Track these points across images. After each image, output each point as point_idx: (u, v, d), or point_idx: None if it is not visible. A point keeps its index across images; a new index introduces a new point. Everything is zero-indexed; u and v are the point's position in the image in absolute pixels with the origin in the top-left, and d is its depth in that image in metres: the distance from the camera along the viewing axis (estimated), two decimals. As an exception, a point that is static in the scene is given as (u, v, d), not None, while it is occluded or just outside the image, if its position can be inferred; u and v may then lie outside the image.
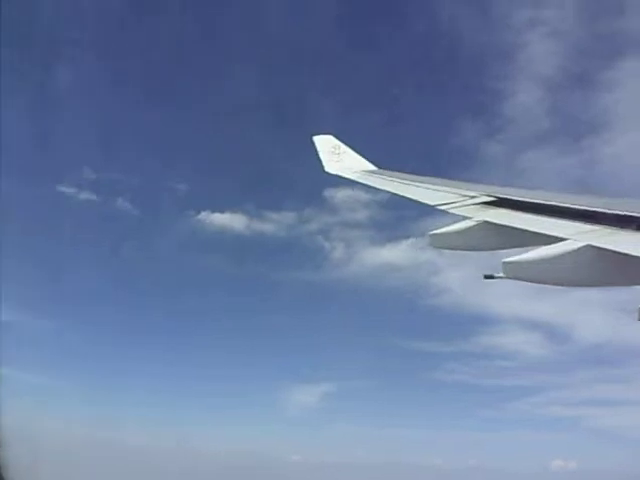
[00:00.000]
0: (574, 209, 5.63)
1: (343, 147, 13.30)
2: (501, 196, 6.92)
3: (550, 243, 5.01)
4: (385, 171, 11.27)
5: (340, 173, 12.24)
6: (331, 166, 12.79)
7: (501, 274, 4.85)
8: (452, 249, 6.34)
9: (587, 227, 5.13)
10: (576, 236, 4.90)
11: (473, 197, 7.24)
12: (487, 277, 5.06)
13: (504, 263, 4.87)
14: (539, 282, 4.73)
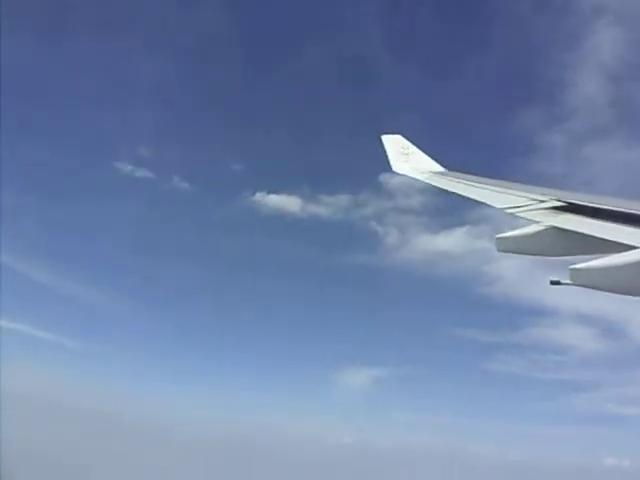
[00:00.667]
0: None
1: (412, 147, 13.26)
2: (571, 201, 6.81)
3: (620, 251, 4.92)
4: (453, 172, 11.20)
5: (408, 173, 12.21)
6: (399, 166, 12.76)
7: (568, 280, 4.80)
8: (518, 253, 6.28)
9: None
10: None
11: (542, 201, 7.15)
12: (553, 283, 5.01)
13: (571, 270, 4.81)
14: (606, 290, 4.65)
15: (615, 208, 6.09)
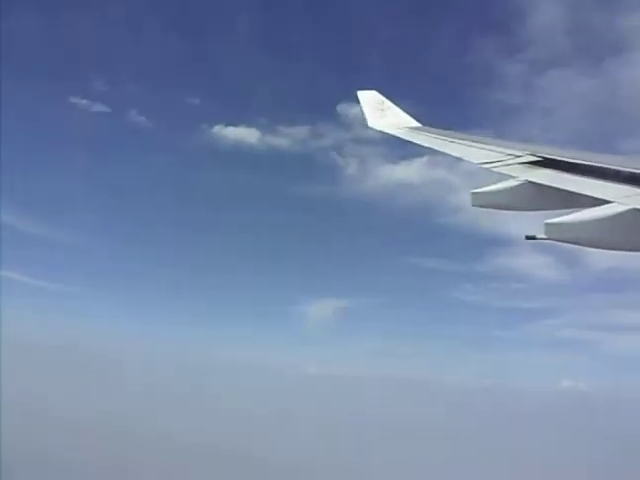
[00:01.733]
0: (622, 172, 5.51)
1: (387, 103, 13.14)
2: (546, 156, 6.79)
3: (594, 206, 4.93)
4: (429, 128, 11.14)
5: (383, 129, 12.12)
6: (374, 122, 12.66)
7: (543, 235, 4.80)
8: (494, 208, 6.27)
9: (635, 190, 5.02)
10: (622, 199, 4.81)
11: (518, 156, 7.12)
12: (528, 238, 5.01)
13: (546, 224, 4.81)
14: (581, 245, 4.67)
15: (590, 163, 6.08)
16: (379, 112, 12.90)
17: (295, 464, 79.32)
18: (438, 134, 10.00)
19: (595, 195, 5.12)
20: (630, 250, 4.54)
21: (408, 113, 12.57)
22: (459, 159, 7.88)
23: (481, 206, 6.33)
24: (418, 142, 10.09)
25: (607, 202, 4.86)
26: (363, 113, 13.05)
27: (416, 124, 12.03)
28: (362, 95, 13.72)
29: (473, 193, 6.33)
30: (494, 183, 6.35)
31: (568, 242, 4.70)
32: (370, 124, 12.68)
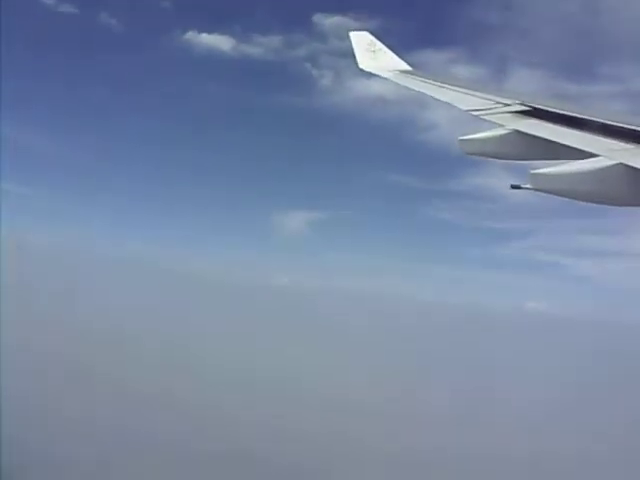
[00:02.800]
0: (610, 125, 5.48)
1: (379, 44, 12.92)
2: (536, 106, 6.74)
3: (581, 158, 4.91)
4: (419, 72, 11.00)
5: (374, 71, 11.95)
6: (365, 63, 12.47)
7: (528, 185, 4.80)
8: (482, 155, 6.25)
9: (622, 145, 5.00)
10: (609, 153, 4.79)
11: (507, 105, 7.06)
12: (514, 187, 5.00)
13: (532, 174, 4.80)
14: (566, 196, 4.67)
15: (579, 115, 6.04)
16: (370, 54, 12.70)
17: (263, 371, 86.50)
18: (428, 78, 9.87)
19: (582, 148, 5.10)
20: (614, 204, 4.55)
21: (398, 55, 12.41)
22: (448, 104, 7.80)
23: (468, 153, 6.31)
24: (408, 86, 9.96)
25: (594, 155, 4.85)
26: (354, 53, 12.85)
27: (407, 67, 11.87)
28: (354, 36, 13.48)
29: (461, 140, 6.30)
30: (483, 131, 6.31)
31: (552, 193, 4.70)
32: (361, 65, 12.49)
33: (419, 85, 9.65)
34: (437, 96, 8.39)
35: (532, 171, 4.82)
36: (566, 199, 4.68)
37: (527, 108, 6.80)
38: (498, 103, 7.26)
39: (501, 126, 6.28)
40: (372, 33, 13.42)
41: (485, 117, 6.80)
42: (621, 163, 4.50)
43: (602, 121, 5.66)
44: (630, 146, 4.94)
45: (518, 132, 6.01)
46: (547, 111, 6.50)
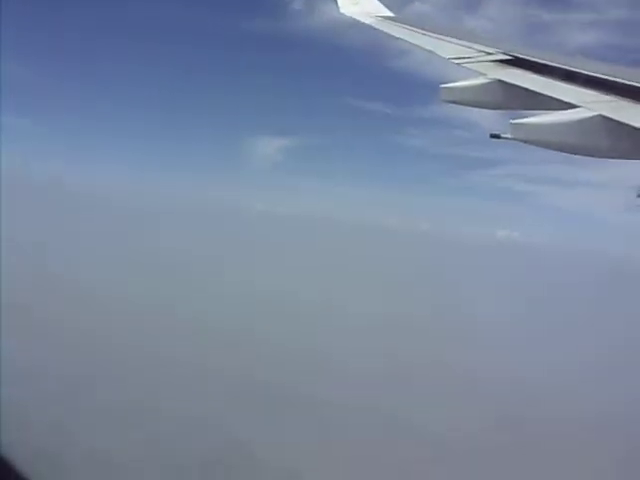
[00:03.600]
0: (593, 77, 5.46)
1: None
2: (519, 55, 6.68)
3: (562, 109, 4.91)
4: (402, 18, 10.83)
5: (355, 16, 11.73)
6: (346, 8, 12.22)
7: (508, 134, 4.79)
8: (462, 104, 6.21)
9: (603, 97, 5.00)
10: (590, 105, 4.79)
11: (489, 54, 7.00)
12: (493, 136, 4.99)
13: (512, 124, 4.79)
14: (545, 147, 4.67)
15: (561, 65, 6.01)
16: (352, -2, 12.45)
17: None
18: (410, 25, 9.73)
19: (563, 98, 5.09)
20: (593, 156, 4.57)
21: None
22: (430, 52, 7.71)
23: (449, 101, 6.26)
24: (389, 32, 9.80)
25: (574, 106, 4.85)
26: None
27: (389, 13, 11.68)
28: None
29: (443, 87, 6.24)
30: (465, 79, 6.26)
31: (532, 143, 4.70)
32: (342, 9, 12.25)
33: (400, 32, 9.51)
34: (419, 43, 8.27)
35: (512, 121, 4.81)
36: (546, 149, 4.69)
37: (509, 57, 6.74)
38: (480, 52, 7.18)
39: (483, 75, 6.23)
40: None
41: (467, 65, 6.74)
42: (600, 115, 4.51)
43: (583, 72, 5.64)
44: (610, 98, 4.94)
45: (500, 81, 5.97)
46: (529, 61, 6.46)
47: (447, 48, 7.63)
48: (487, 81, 6.06)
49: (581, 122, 4.54)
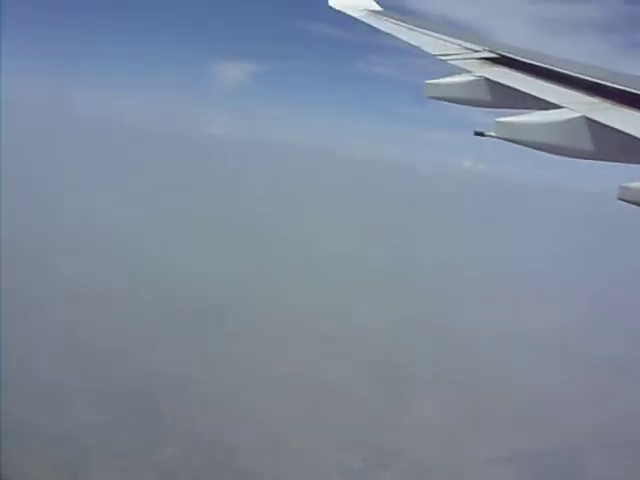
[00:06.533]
0: (578, 78, 5.46)
1: None
2: (505, 54, 6.67)
3: (546, 108, 4.90)
4: (390, 13, 10.79)
5: (343, 9, 11.68)
6: (336, 0, 12.18)
7: (492, 132, 4.77)
8: (448, 101, 6.19)
9: (587, 98, 4.99)
10: (574, 106, 4.78)
11: (476, 51, 6.98)
12: (477, 134, 4.97)
13: (497, 122, 4.77)
14: (529, 146, 4.66)
15: (546, 65, 6.00)
16: (341, -10, 12.39)
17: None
18: (399, 20, 9.70)
19: (548, 98, 5.08)
20: (577, 157, 4.56)
21: None
22: (417, 48, 7.68)
23: (435, 97, 6.24)
24: (377, 26, 9.77)
25: (559, 107, 4.84)
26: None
27: (377, 7, 11.64)
28: None
29: (428, 84, 6.21)
30: (450, 75, 6.24)
31: (516, 142, 4.68)
32: (330, 3, 12.20)
33: (389, 27, 9.48)
34: (406, 39, 8.25)
35: (497, 119, 4.79)
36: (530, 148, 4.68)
37: (496, 55, 6.73)
38: (467, 49, 7.17)
39: (469, 72, 6.21)
40: None
41: (453, 62, 6.72)
42: (584, 116, 4.50)
43: (569, 73, 5.64)
44: (595, 99, 4.93)
45: (485, 79, 5.96)
46: (515, 60, 6.45)
47: (434, 44, 7.61)
48: (473, 78, 6.04)
49: (565, 123, 4.53)
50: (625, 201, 3.83)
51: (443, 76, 6.27)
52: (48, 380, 42.18)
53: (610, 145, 4.37)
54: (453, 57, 6.89)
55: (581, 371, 58.76)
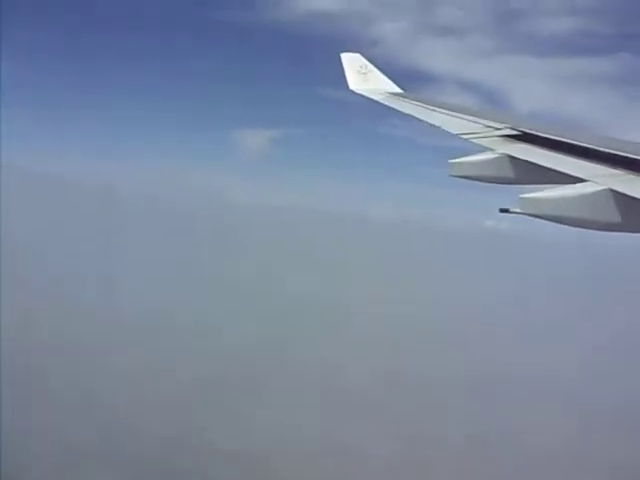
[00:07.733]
0: (599, 151, 5.54)
1: (370, 66, 13.05)
2: (526, 130, 6.80)
3: (569, 182, 4.95)
4: (410, 94, 11.10)
5: (364, 93, 12.05)
6: (356, 85, 12.58)
7: (517, 209, 4.82)
8: (471, 179, 6.29)
9: (610, 171, 5.05)
10: (597, 179, 4.84)
11: (497, 129, 7.13)
12: (502, 211, 5.03)
13: (521, 199, 4.83)
14: (555, 221, 4.69)
15: (567, 140, 6.11)
16: (361, 75, 12.80)
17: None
18: (418, 101, 9.96)
19: (571, 173, 5.15)
20: (603, 229, 4.58)
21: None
22: (439, 128, 7.86)
23: (458, 176, 6.35)
24: (398, 108, 10.04)
25: (582, 180, 4.90)
26: (345, 75, 12.95)
27: (397, 89, 11.98)
28: (345, 57, 13.59)
29: (452, 163, 6.34)
30: (473, 154, 6.36)
31: (542, 217, 4.73)
32: (351, 87, 12.60)
33: (409, 108, 9.74)
34: (427, 119, 8.45)
35: (522, 195, 4.85)
36: (557, 224, 4.72)
37: (517, 132, 6.86)
38: (488, 127, 7.32)
39: (491, 150, 6.33)
40: (364, 55, 13.56)
41: (475, 140, 6.86)
42: (609, 189, 4.54)
43: (591, 146, 5.73)
44: (618, 172, 4.99)
45: (508, 156, 6.06)
46: (537, 136, 6.57)
47: (455, 123, 7.79)
48: (495, 156, 6.15)
49: (590, 196, 4.57)
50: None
51: (466, 155, 6.39)
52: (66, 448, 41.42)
53: (637, 216, 4.40)
54: (475, 135, 7.03)
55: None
